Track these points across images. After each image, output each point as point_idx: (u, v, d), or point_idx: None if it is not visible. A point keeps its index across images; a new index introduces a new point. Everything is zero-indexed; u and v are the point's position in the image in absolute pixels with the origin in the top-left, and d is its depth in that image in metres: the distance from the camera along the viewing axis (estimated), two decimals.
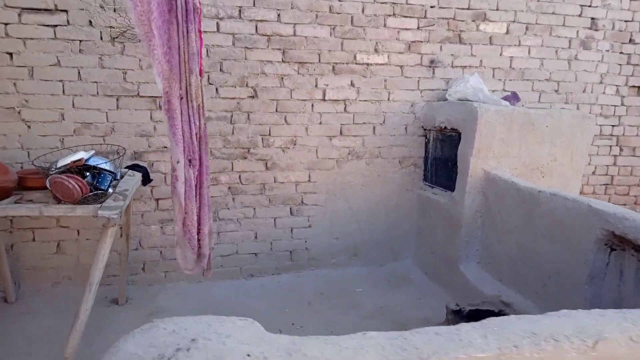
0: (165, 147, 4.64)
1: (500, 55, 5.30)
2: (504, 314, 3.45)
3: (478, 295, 4.05)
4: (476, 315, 3.64)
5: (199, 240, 3.23)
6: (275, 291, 4.77)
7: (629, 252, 2.89)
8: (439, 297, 4.59)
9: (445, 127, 4.75)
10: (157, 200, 4.72)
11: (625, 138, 5.88)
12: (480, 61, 5.26)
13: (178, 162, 2.90)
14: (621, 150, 5.91)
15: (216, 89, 4.67)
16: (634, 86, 5.77)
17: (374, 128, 5.12)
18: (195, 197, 3.07)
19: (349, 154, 5.10)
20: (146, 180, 4.32)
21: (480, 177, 4.34)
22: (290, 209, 5.07)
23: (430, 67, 5.14)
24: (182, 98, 2.86)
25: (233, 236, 4.99)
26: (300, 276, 5.12)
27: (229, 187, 4.89)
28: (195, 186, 3.07)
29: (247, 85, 4.70)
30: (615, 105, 5.79)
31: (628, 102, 5.80)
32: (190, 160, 2.98)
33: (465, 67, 5.22)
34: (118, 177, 3.34)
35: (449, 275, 4.61)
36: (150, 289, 4.81)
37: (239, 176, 4.89)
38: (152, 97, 4.52)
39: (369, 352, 1.38)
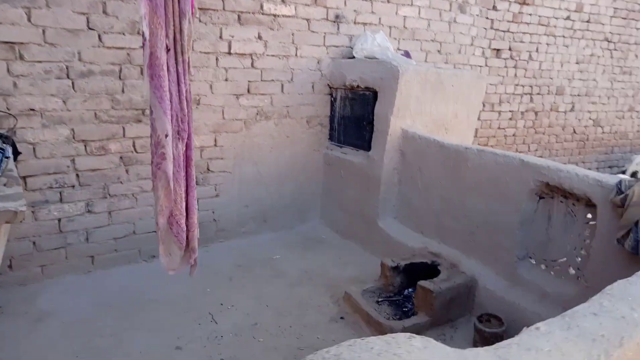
0: (32, 109, 3.60)
1: (396, 14, 5.37)
2: (436, 264, 3.64)
3: (402, 249, 4.21)
4: (411, 268, 3.78)
5: (188, 231, 2.65)
6: (186, 270, 4.23)
7: (558, 199, 3.27)
8: (359, 255, 4.66)
9: (357, 86, 4.67)
10: (24, 178, 3.68)
11: (486, 96, 6.64)
12: (379, 19, 5.25)
13: (167, 135, 2.24)
14: (483, 106, 6.66)
15: (99, 36, 3.74)
16: (494, 49, 6.48)
17: (282, 86, 4.77)
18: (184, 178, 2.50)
19: (257, 114, 4.69)
20: (16, 154, 3.30)
21: (399, 135, 4.42)
22: (195, 177, 4.48)
23: (335, 22, 4.94)
24: (169, 50, 2.18)
25: (129, 214, 4.23)
26: (209, 250, 4.64)
27: (121, 157, 4.08)
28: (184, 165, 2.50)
29: (138, 33, 3.86)
30: (480, 66, 6.44)
31: (490, 63, 6.52)
32: (178, 132, 2.34)
33: (366, 24, 5.16)
34: (9, 155, 2.44)
35: (367, 232, 4.69)
36: (24, 289, 3.83)
37: (133, 143, 4.10)
38: (9, 43, 3.40)
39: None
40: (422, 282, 3.48)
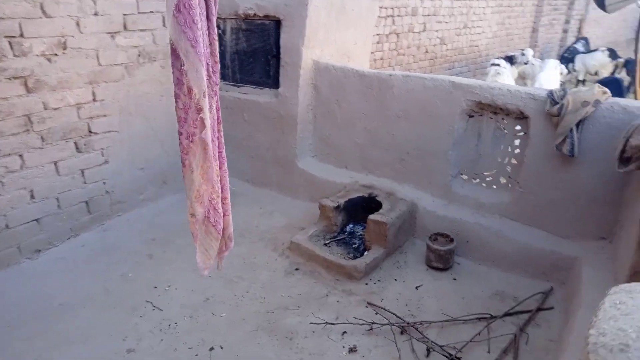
0: None
1: None
2: (374, 196, 3.64)
3: (329, 187, 4.08)
4: (350, 204, 3.70)
5: (224, 215, 2.12)
6: (89, 259, 3.48)
7: (487, 117, 3.43)
8: (280, 201, 4.40)
9: (254, 15, 4.12)
10: None
11: None
12: None
13: (204, 93, 1.61)
14: None
15: None
16: None
17: (163, 18, 3.96)
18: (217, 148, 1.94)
19: (139, 55, 3.85)
20: None
21: (310, 68, 4.10)
22: (75, 143, 3.58)
23: None
24: None
25: None
26: (109, 228, 3.88)
27: None
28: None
29: None
30: None
31: None
32: (210, 83, 1.72)
33: None
34: None
35: (285, 177, 4.41)
36: None
37: None
38: None
39: None
40: (372, 216, 3.42)
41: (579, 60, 11.14)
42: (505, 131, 3.38)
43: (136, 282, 3.23)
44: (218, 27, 4.31)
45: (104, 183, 3.86)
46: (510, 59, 9.56)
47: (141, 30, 3.81)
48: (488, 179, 3.57)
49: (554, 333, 2.74)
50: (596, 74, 10.83)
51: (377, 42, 7.34)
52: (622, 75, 10.10)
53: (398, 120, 3.77)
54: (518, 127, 3.33)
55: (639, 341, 0.79)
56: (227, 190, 2.21)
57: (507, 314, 2.89)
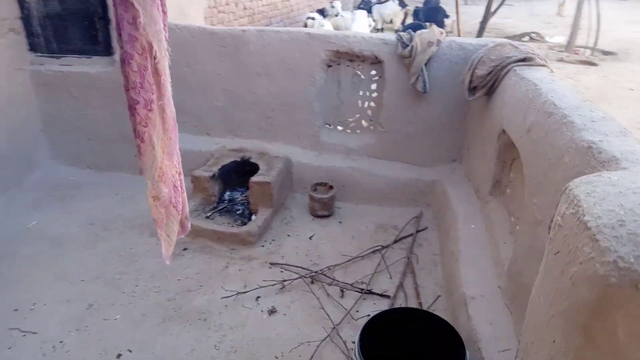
0: None
1: None
2: (247, 158, 3.60)
3: (193, 157, 3.79)
4: (224, 171, 3.57)
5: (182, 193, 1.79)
6: None
7: (344, 65, 3.58)
8: (138, 182, 3.85)
9: None
10: None
11: None
12: None
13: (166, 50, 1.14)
14: None
15: None
16: None
17: None
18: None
19: None
20: None
21: None
22: None
23: None
24: None
25: None
26: None
27: None
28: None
29: None
30: None
31: None
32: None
33: None
34: None
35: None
36: None
37: None
38: None
39: None
40: (254, 178, 3.34)
41: (375, 10, 12.31)
42: (363, 77, 3.59)
43: None
44: None
45: None
46: (322, 12, 10.06)
47: None
48: (352, 124, 3.77)
49: (435, 248, 3.14)
50: (391, 22, 12.15)
51: None
52: (409, 20, 11.56)
53: (258, 78, 3.67)
54: (373, 72, 3.56)
55: (629, 215, 0.96)
56: (179, 162, 1.91)
57: (395, 242, 3.19)
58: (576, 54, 10.52)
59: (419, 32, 3.30)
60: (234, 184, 3.70)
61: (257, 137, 3.86)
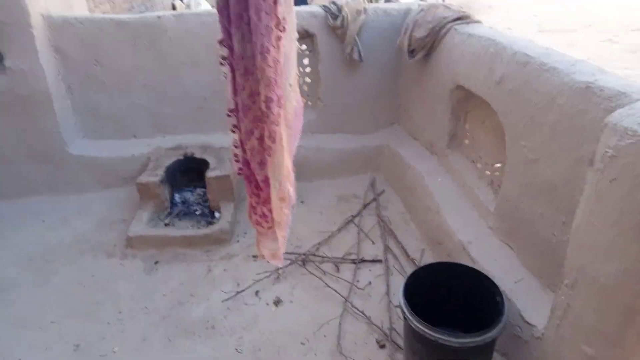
0: None
1: None
2: (191, 155, 3.44)
3: (124, 165, 3.49)
4: (169, 173, 3.35)
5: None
6: None
7: None
8: (66, 203, 3.44)
9: None
10: None
11: None
12: None
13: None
14: None
15: None
16: None
17: None
18: None
19: None
20: None
21: (41, 26, 3.15)
22: None
23: None
24: None
25: None
26: None
27: None
28: None
29: None
30: None
31: None
32: None
33: None
34: None
35: (56, 172, 3.46)
36: None
37: None
38: None
39: None
40: (211, 174, 3.17)
41: None
42: (302, 46, 3.55)
43: None
44: None
45: None
46: None
47: None
48: None
49: (399, 207, 3.33)
50: None
51: None
52: None
53: (183, 67, 3.42)
54: (304, 47, 3.54)
55: None
56: None
57: (363, 209, 3.31)
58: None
59: (345, 1, 3.36)
60: (180, 184, 3.46)
61: (192, 131, 3.63)
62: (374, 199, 3.40)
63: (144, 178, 3.16)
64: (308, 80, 3.67)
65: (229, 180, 3.17)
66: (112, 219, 3.26)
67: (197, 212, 3.28)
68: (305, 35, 3.45)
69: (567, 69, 1.84)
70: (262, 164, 1.56)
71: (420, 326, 1.82)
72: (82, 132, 3.56)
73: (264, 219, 1.73)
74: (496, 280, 2.05)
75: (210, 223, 3.14)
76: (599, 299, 1.47)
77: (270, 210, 1.67)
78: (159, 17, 3.27)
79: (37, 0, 3.09)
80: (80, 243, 3.05)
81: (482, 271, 2.12)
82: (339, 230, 3.13)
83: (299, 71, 3.63)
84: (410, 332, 1.94)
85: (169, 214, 3.24)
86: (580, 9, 9.79)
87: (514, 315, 1.99)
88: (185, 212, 3.28)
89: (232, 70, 1.48)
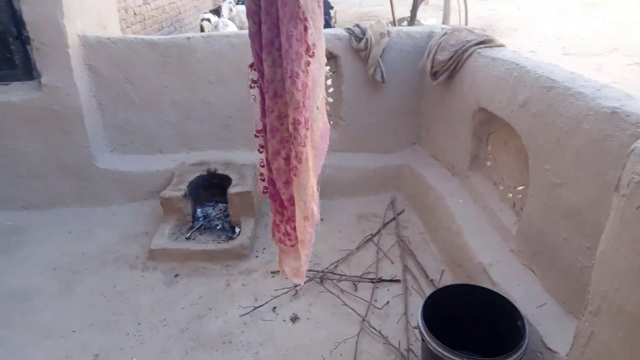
0: None
1: None
2: (214, 171, 3.49)
3: (148, 180, 3.59)
4: (192, 188, 3.41)
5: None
6: None
7: None
8: (92, 215, 3.54)
9: None
10: None
11: None
12: None
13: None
14: None
15: None
16: None
17: None
18: None
19: None
20: None
21: (77, 46, 3.29)
22: None
23: None
24: None
25: None
26: None
27: None
28: None
29: None
30: None
31: None
32: None
33: None
34: None
35: (84, 184, 3.57)
36: None
37: None
38: None
39: None
40: (233, 189, 3.22)
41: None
42: (328, 68, 3.61)
43: None
44: None
45: None
46: (217, 12, 9.76)
47: None
48: None
49: (419, 227, 3.32)
50: None
51: None
52: None
53: (210, 86, 3.52)
54: (327, 68, 3.61)
55: None
56: None
57: (382, 228, 3.31)
58: None
59: (369, 24, 3.42)
60: (202, 199, 3.53)
61: (217, 147, 3.71)
62: (394, 219, 3.40)
63: (167, 193, 3.23)
64: (331, 100, 3.72)
65: (250, 196, 3.21)
66: (135, 232, 3.33)
67: (218, 227, 3.32)
68: (329, 57, 3.52)
69: (593, 94, 1.83)
70: (288, 183, 1.60)
71: (439, 348, 1.80)
72: (110, 147, 3.67)
73: (287, 237, 1.76)
74: (517, 305, 2.02)
75: (230, 238, 3.18)
76: (627, 328, 1.44)
77: (294, 229, 1.69)
78: (188, 38, 3.39)
79: (73, 21, 3.24)
80: (104, 254, 3.12)
81: (503, 294, 2.09)
82: (358, 248, 3.13)
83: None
84: (428, 354, 1.92)
85: (191, 228, 3.29)
86: (603, 32, 9.72)
87: (535, 340, 1.95)
88: (207, 227, 3.33)
89: (262, 93, 1.53)
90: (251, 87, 1.58)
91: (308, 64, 1.41)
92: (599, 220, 1.67)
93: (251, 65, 1.55)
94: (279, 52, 1.39)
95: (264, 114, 1.55)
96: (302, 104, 1.42)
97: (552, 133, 2.03)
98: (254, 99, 1.59)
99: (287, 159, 1.55)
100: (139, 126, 3.62)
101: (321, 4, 1.40)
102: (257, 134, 1.63)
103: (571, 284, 1.97)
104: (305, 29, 1.36)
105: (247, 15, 1.46)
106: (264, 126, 1.57)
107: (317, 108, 1.55)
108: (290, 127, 1.45)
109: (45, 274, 2.95)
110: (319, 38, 1.43)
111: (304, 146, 1.48)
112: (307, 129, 1.48)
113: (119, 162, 3.63)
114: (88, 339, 2.46)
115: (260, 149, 1.66)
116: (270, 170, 1.64)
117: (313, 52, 1.41)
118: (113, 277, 2.92)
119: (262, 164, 1.70)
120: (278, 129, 1.51)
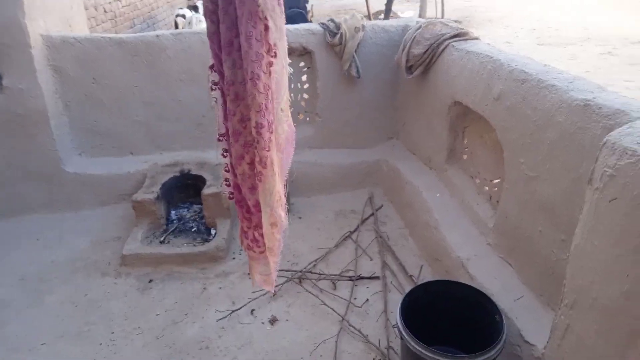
0: None
1: None
2: (188, 171, 3.41)
3: (120, 181, 3.48)
4: (165, 189, 3.32)
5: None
6: None
7: None
8: (61, 222, 3.42)
9: None
10: None
11: None
12: None
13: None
14: None
15: None
16: None
17: None
18: None
19: None
20: None
21: (40, 46, 3.16)
22: None
23: None
24: None
25: None
26: None
27: None
28: None
29: None
30: None
31: None
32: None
33: None
34: None
35: (52, 190, 3.44)
36: None
37: None
38: None
39: None
40: (207, 190, 3.14)
41: None
42: (292, 69, 3.55)
43: None
44: None
45: None
46: (195, 8, 9.56)
47: None
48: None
49: (397, 223, 3.30)
50: None
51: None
52: None
53: (182, 84, 3.42)
54: (302, 64, 3.55)
55: None
56: None
57: (361, 224, 3.28)
58: None
59: (343, 19, 3.37)
60: (176, 201, 3.44)
61: (190, 147, 3.62)
62: (372, 214, 3.37)
63: (139, 196, 3.13)
64: (306, 96, 3.67)
65: (226, 198, 3.14)
66: (107, 237, 3.23)
67: (193, 229, 3.25)
68: (303, 52, 3.46)
69: (566, 86, 1.82)
70: (253, 188, 1.54)
71: (418, 347, 1.78)
72: (79, 150, 3.55)
73: (255, 244, 1.70)
74: (495, 298, 2.02)
75: (206, 240, 3.11)
76: (601, 321, 1.43)
77: (261, 235, 1.64)
78: (157, 35, 3.29)
79: (36, 20, 3.11)
80: (75, 261, 3.02)
81: (481, 289, 2.08)
82: (337, 246, 3.09)
83: (297, 87, 3.63)
84: (407, 352, 1.90)
85: (165, 231, 3.21)
86: (575, 23, 9.87)
87: (513, 334, 1.94)
88: (181, 229, 3.25)
89: (223, 96, 1.47)
90: (212, 90, 1.51)
91: (270, 64, 1.35)
92: (574, 213, 1.66)
93: (211, 67, 1.49)
94: (239, 53, 1.33)
95: (226, 117, 1.49)
96: (264, 107, 1.36)
97: (526, 126, 2.02)
98: (216, 101, 1.53)
99: (252, 164, 1.49)
100: (108, 127, 3.51)
101: (281, 2, 1.34)
102: (220, 138, 1.57)
103: (547, 277, 1.97)
104: (266, 28, 1.30)
105: (205, 14, 1.40)
106: (227, 130, 1.51)
107: (282, 110, 1.50)
108: (253, 131, 1.40)
109: (13, 285, 2.84)
110: (281, 37, 1.38)
111: (268, 150, 1.42)
112: (271, 133, 1.42)
113: (88, 165, 3.51)
114: (59, 351, 2.37)
115: (224, 154, 1.59)
116: (235, 175, 1.58)
117: (275, 52, 1.35)
118: (84, 285, 2.82)
119: (226, 168, 1.63)
120: (241, 132, 1.45)
